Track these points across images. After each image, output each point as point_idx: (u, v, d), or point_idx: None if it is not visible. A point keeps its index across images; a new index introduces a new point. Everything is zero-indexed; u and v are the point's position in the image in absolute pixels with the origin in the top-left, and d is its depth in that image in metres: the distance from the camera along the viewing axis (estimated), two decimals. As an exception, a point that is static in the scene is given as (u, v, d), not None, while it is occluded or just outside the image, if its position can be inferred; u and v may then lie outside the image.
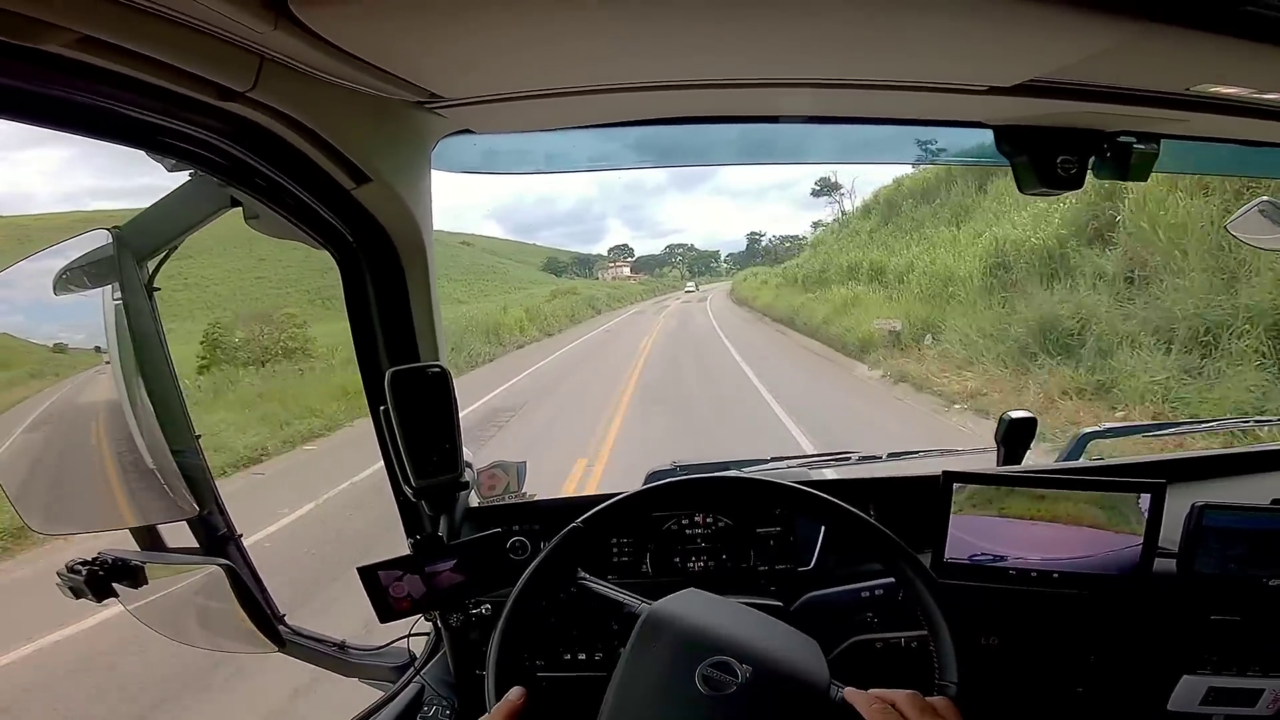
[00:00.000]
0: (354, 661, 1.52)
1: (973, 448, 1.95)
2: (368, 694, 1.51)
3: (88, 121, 0.74)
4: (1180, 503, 1.25)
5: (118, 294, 1.11)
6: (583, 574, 1.11)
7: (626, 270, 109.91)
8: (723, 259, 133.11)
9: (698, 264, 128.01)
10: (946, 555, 1.27)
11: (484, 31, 0.83)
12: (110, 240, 1.05)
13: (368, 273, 1.21)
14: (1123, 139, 1.30)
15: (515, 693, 0.91)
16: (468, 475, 1.33)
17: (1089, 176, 1.34)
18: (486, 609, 1.36)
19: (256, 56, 0.77)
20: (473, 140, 1.27)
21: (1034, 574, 1.26)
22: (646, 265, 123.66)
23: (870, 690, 0.90)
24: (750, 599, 1.32)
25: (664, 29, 0.88)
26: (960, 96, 1.14)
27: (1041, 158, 1.30)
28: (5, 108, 0.67)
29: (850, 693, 0.91)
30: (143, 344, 1.10)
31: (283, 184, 0.98)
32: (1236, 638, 1.30)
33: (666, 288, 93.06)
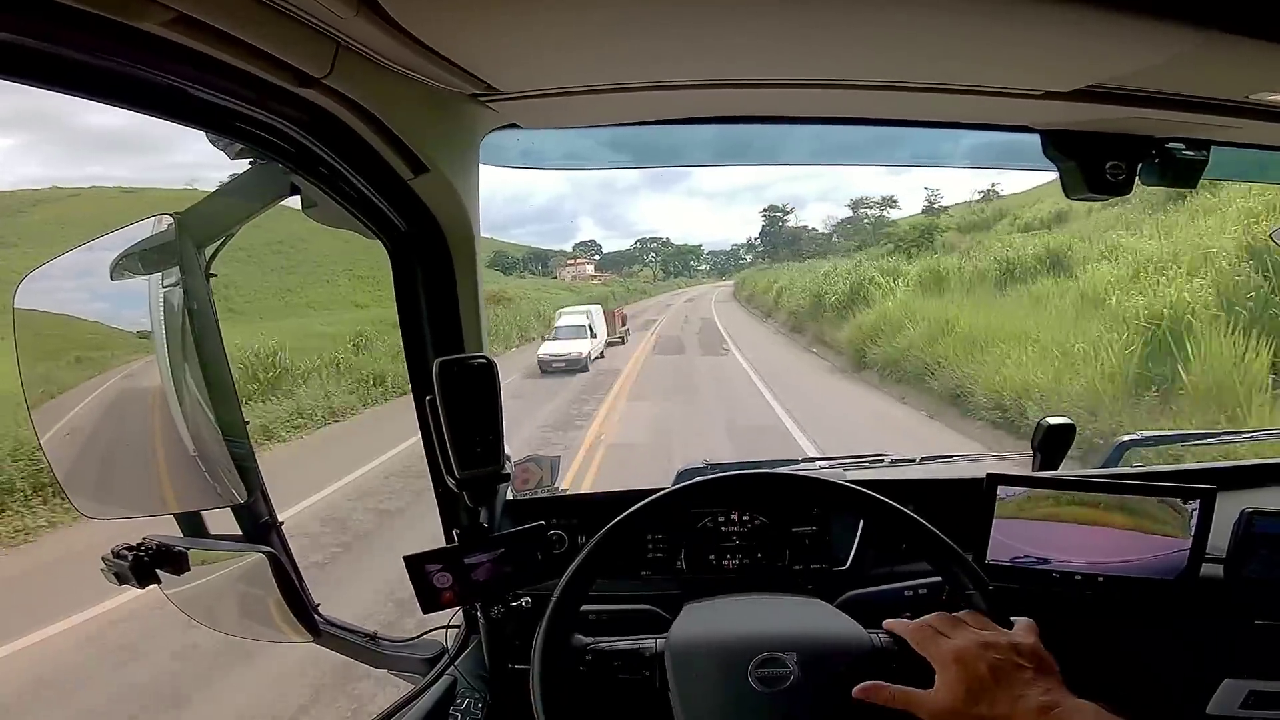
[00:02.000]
0: (385, 653, 1.52)
1: (1008, 453, 1.95)
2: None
3: (170, 104, 0.75)
4: (1223, 511, 1.24)
5: (171, 279, 1.12)
6: (584, 640, 1.09)
7: (590, 269, 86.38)
8: (703, 256, 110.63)
9: (674, 262, 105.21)
10: (989, 557, 1.27)
11: (537, 26, 0.85)
12: (170, 225, 1.06)
13: (418, 263, 1.22)
14: (1171, 145, 1.29)
15: None
16: (508, 467, 1.33)
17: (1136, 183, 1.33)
18: (527, 602, 1.36)
19: (333, 43, 0.78)
20: (515, 136, 1.28)
21: (1078, 578, 1.25)
22: (614, 263, 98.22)
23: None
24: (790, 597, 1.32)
25: (720, 28, 0.88)
26: (1011, 100, 1.14)
27: (1090, 163, 1.29)
28: (98, 88, 0.68)
29: (890, 622, 0.96)
30: (199, 330, 1.10)
31: (344, 173, 0.99)
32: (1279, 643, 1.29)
33: (634, 291, 69.03)
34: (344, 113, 0.89)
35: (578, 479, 8.53)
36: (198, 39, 0.66)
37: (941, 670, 0.86)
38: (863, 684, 0.88)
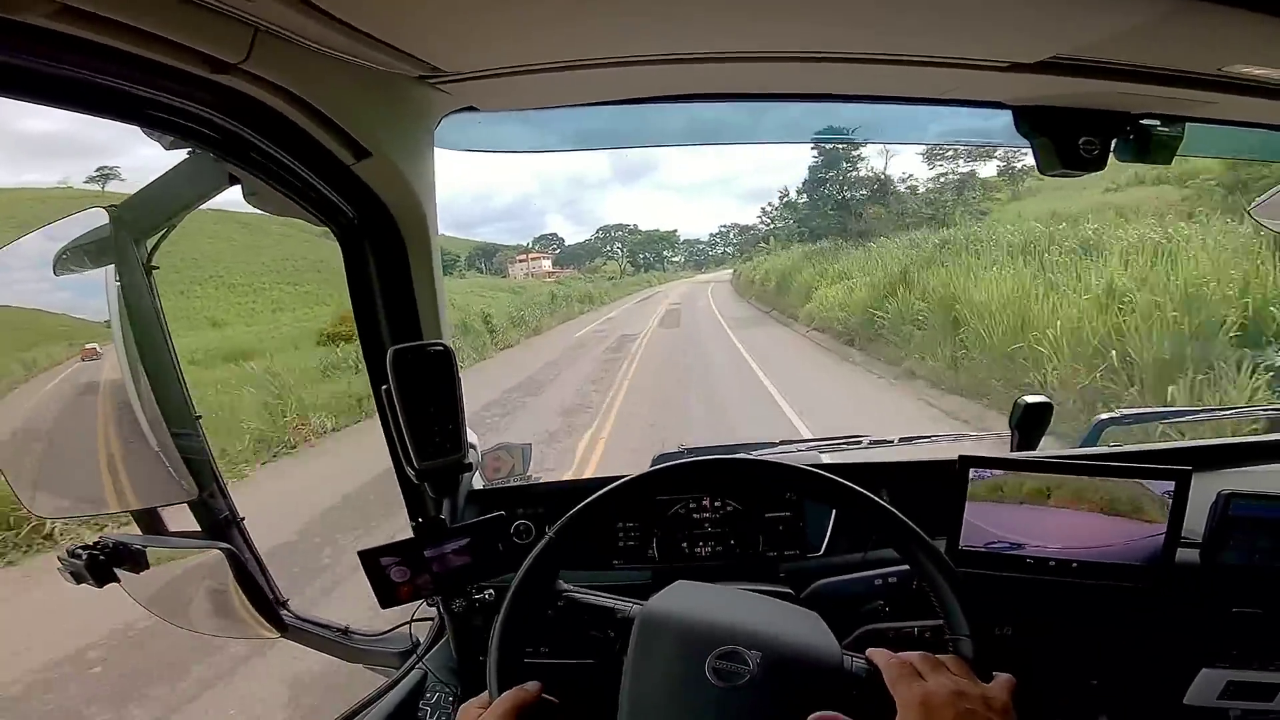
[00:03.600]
0: (357, 647, 1.51)
1: (986, 432, 1.93)
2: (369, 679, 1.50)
3: (76, 96, 0.72)
4: (1202, 491, 1.21)
5: (115, 273, 1.09)
6: (565, 586, 1.08)
7: (546, 264, 73.39)
8: (679, 245, 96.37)
9: (644, 252, 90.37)
10: (962, 543, 1.25)
11: (484, 4, 0.82)
12: (106, 220, 1.03)
13: (370, 250, 1.19)
14: (1146, 121, 1.27)
15: (533, 685, 0.90)
16: (471, 457, 1.31)
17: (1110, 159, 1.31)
18: (489, 594, 1.35)
19: (249, 27, 0.75)
20: (476, 118, 1.25)
21: (1052, 563, 1.23)
22: (575, 257, 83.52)
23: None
24: (759, 586, 1.30)
25: (680, 4, 0.85)
26: (979, 73, 1.11)
27: (1063, 138, 1.27)
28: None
29: (873, 651, 0.93)
30: (142, 324, 1.08)
31: (281, 159, 0.96)
32: (1258, 631, 1.27)
33: (568, 301, 42.22)
34: (270, 97, 0.85)
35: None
36: (90, 29, 0.63)
37: (904, 710, 0.84)
38: (823, 714, 0.85)
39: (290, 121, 0.90)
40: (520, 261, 72.18)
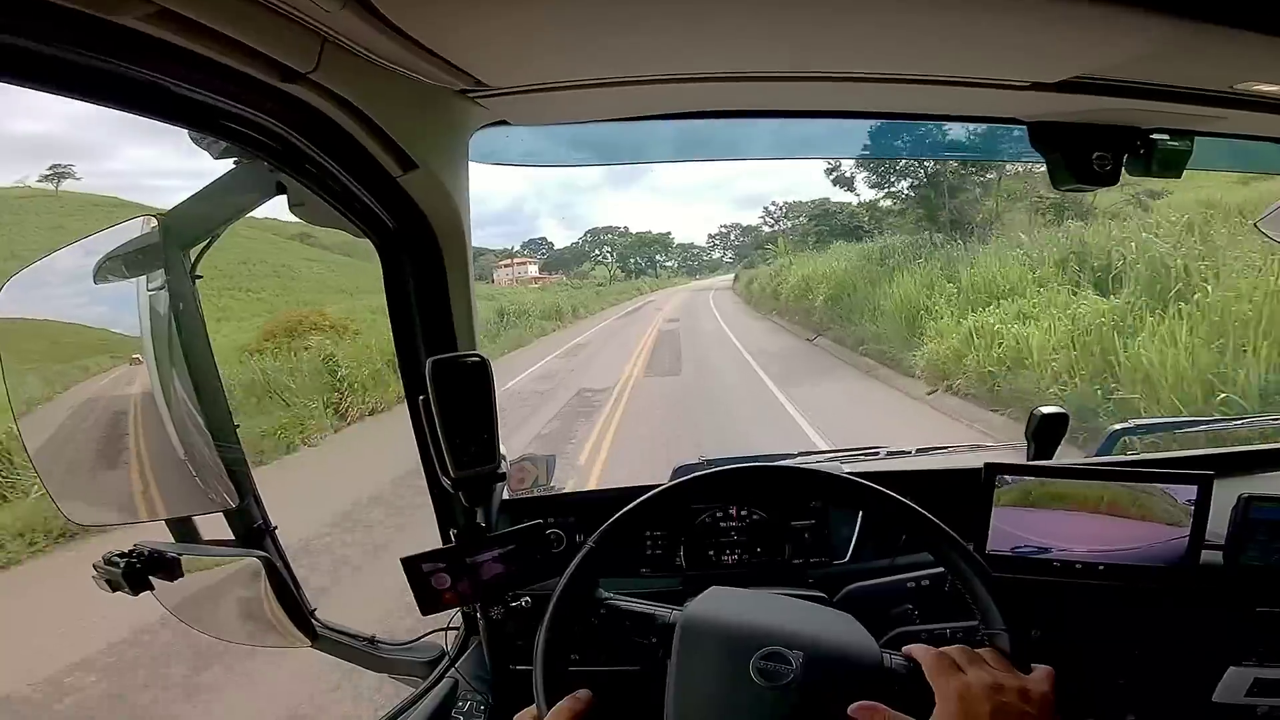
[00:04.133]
0: (384, 656, 1.51)
1: (1002, 443, 1.95)
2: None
3: (155, 102, 0.74)
4: (1220, 496, 1.25)
5: (157, 282, 1.10)
6: (605, 594, 1.10)
7: (533, 269, 66.34)
8: (672, 250, 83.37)
9: (635, 256, 79.53)
10: (989, 548, 1.27)
11: (525, 21, 0.85)
12: (154, 227, 1.05)
13: (408, 261, 1.21)
14: (1156, 135, 1.30)
15: (583, 693, 0.91)
16: (503, 466, 1.32)
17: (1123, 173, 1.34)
18: (527, 601, 1.36)
19: (319, 38, 0.77)
20: (504, 133, 1.28)
21: (1078, 566, 1.26)
22: (563, 261, 73.85)
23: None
24: (792, 591, 1.32)
25: (717, 22, 0.88)
26: (998, 92, 1.14)
27: (1076, 154, 1.30)
28: (76, 85, 0.66)
29: (911, 647, 0.95)
30: (186, 333, 1.09)
31: (332, 170, 0.98)
32: None
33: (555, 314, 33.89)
34: (331, 108, 0.88)
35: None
36: (179, 34, 0.65)
37: (943, 703, 0.86)
38: (861, 703, 0.87)
39: (345, 132, 0.93)
40: (504, 266, 64.40)
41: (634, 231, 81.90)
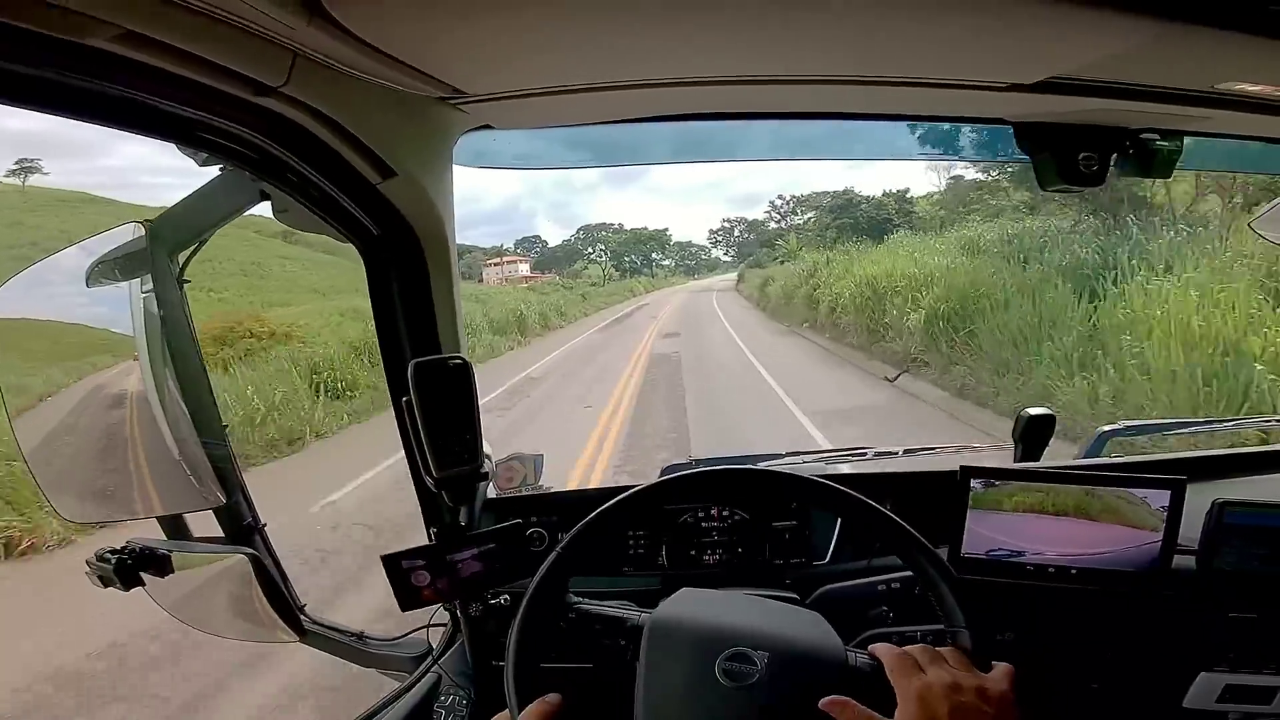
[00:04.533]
0: (372, 652, 1.54)
1: (989, 444, 1.95)
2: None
3: (129, 116, 0.76)
4: (1200, 500, 1.25)
5: (147, 286, 1.13)
6: (575, 598, 1.12)
7: (524, 268, 61.81)
8: (669, 248, 79.01)
9: (630, 254, 74.23)
10: (964, 550, 1.28)
11: (505, 29, 0.85)
12: (142, 233, 1.07)
13: (391, 266, 1.22)
14: (1145, 136, 1.29)
15: (553, 697, 0.93)
16: (487, 466, 1.34)
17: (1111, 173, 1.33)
18: (505, 600, 1.38)
19: (290, 52, 0.79)
20: (492, 136, 1.29)
21: (1051, 570, 1.26)
22: (555, 260, 68.29)
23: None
24: (766, 591, 1.33)
25: (697, 26, 0.88)
26: (979, 93, 1.14)
27: (1063, 155, 1.29)
28: (49, 102, 0.68)
29: (876, 646, 0.97)
30: (174, 335, 1.12)
31: (312, 178, 1.00)
32: (1254, 635, 1.30)
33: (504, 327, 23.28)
34: (306, 120, 0.89)
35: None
36: (148, 53, 0.67)
37: (903, 703, 0.87)
38: (832, 698, 0.89)
39: (322, 142, 0.94)
40: (493, 265, 59.89)
41: (629, 228, 77.67)
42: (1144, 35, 0.86)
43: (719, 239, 75.53)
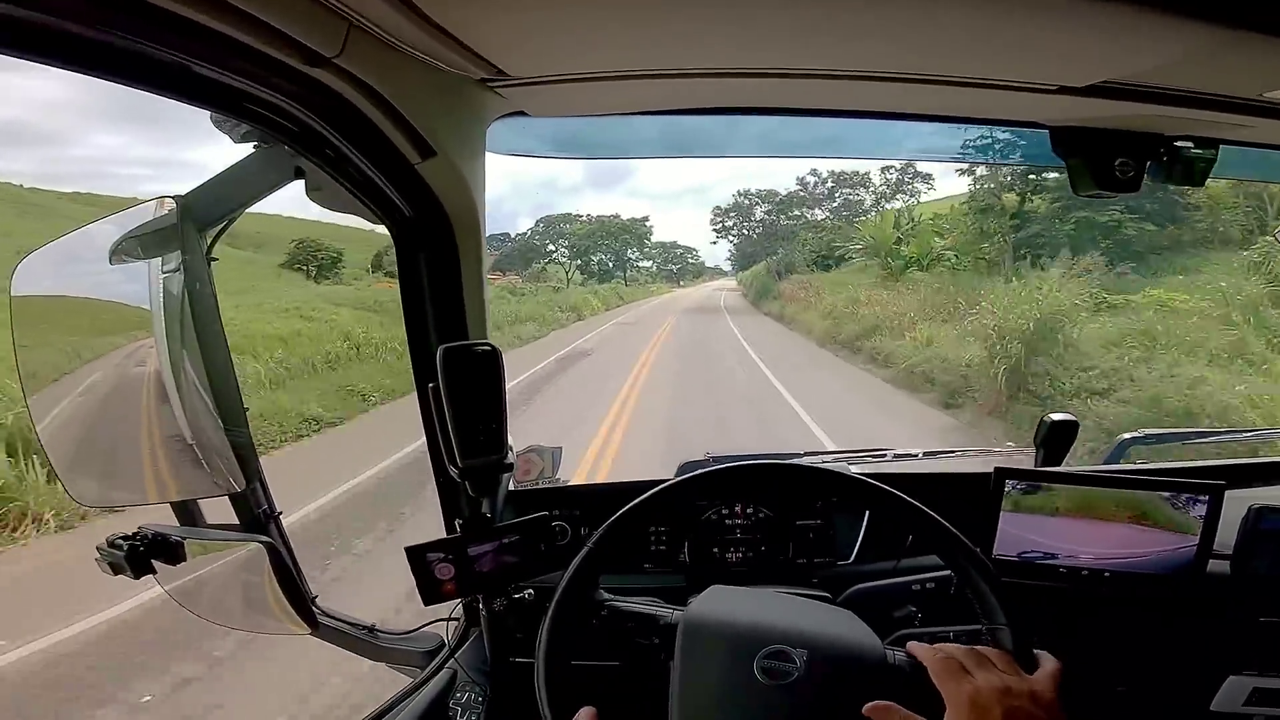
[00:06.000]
0: (384, 646, 1.51)
1: (1010, 448, 1.95)
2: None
3: (176, 82, 0.73)
4: (1228, 508, 1.25)
5: (172, 263, 1.10)
6: (606, 595, 1.10)
7: None
8: (650, 248, 62.76)
9: (598, 249, 58.19)
10: (996, 552, 1.27)
11: (553, 11, 0.84)
12: (173, 209, 1.04)
13: (422, 249, 1.21)
14: (1180, 143, 1.29)
15: (586, 713, 0.91)
16: (510, 457, 1.32)
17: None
18: (529, 594, 1.35)
19: (346, 22, 0.77)
20: (520, 124, 1.27)
21: (1085, 573, 1.26)
22: (523, 257, 54.33)
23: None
24: (795, 590, 1.31)
25: (729, 17, 0.87)
26: (1022, 95, 1.13)
27: (1099, 160, 1.29)
28: (102, 64, 0.66)
29: (914, 645, 0.94)
30: (201, 315, 1.08)
31: (351, 156, 0.98)
32: None
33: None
34: (353, 94, 0.87)
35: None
36: (206, 13, 0.64)
37: (954, 709, 0.85)
38: (876, 703, 0.87)
39: (366, 118, 0.92)
40: None
41: (597, 216, 59.03)
42: (1201, 40, 0.85)
43: (726, 218, 48.07)
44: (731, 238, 48.97)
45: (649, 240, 62.52)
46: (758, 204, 45.49)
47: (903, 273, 22.97)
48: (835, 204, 38.14)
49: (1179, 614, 1.32)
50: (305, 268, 34.77)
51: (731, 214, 47.68)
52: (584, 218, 58.67)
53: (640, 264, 63.82)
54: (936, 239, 23.35)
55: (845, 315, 19.37)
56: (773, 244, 40.81)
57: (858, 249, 28.01)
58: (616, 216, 59.49)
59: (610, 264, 59.16)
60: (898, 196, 33.86)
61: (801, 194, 40.35)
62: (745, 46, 0.99)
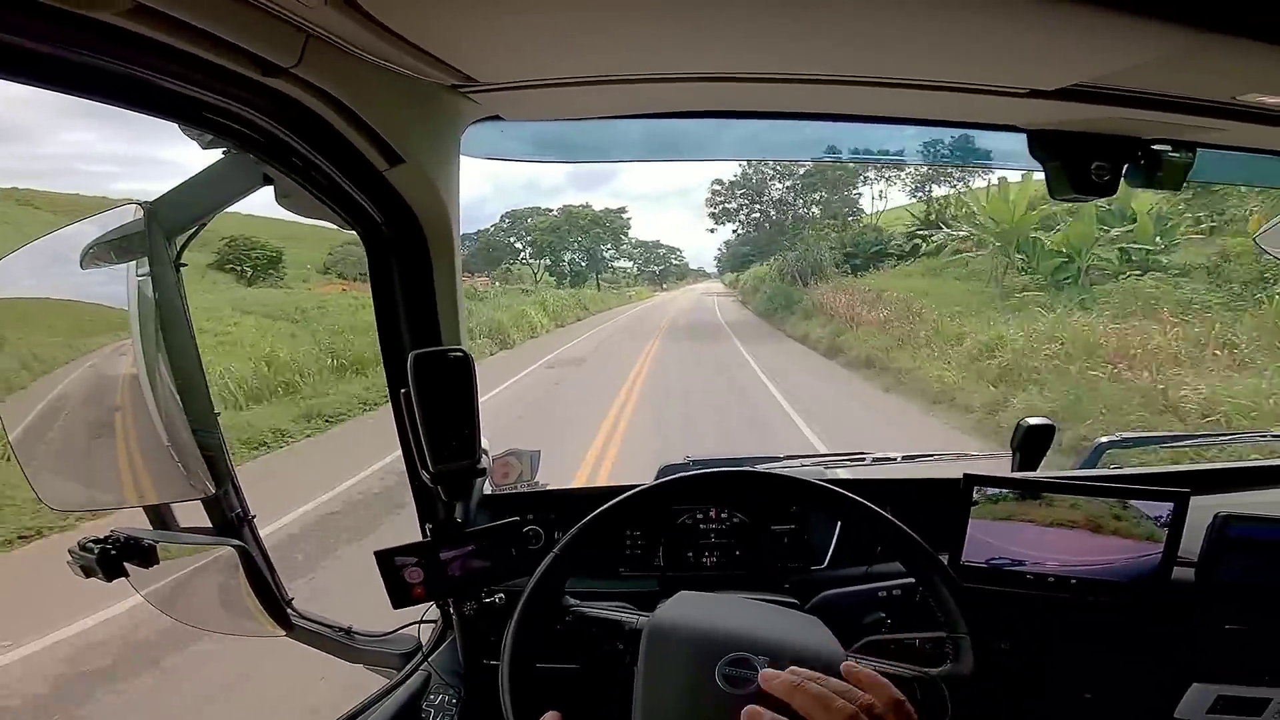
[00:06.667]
0: (359, 647, 1.51)
1: (987, 452, 1.95)
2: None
3: (135, 95, 0.73)
4: (1198, 513, 1.25)
5: (142, 269, 1.10)
6: (573, 601, 1.11)
7: None
8: (628, 245, 56.43)
9: (567, 246, 52.05)
10: (964, 558, 1.28)
11: (519, 17, 0.83)
12: (141, 215, 1.04)
13: (394, 255, 1.20)
14: (1157, 146, 1.29)
15: (550, 717, 0.90)
16: (484, 462, 1.32)
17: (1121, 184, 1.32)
18: (500, 598, 1.36)
19: (303, 33, 0.76)
20: (499, 127, 1.27)
21: (1052, 579, 1.27)
22: (487, 257, 49.84)
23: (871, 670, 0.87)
24: (765, 596, 1.32)
25: (708, 23, 0.87)
26: (997, 99, 1.13)
27: (1075, 163, 1.29)
28: (60, 79, 0.66)
29: (767, 675, 0.87)
30: (169, 320, 1.09)
31: (317, 163, 0.97)
32: (1248, 647, 1.31)
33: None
34: (315, 103, 0.87)
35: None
36: (157, 29, 0.64)
37: None
38: (750, 707, 0.82)
39: (330, 126, 0.92)
40: None
41: (564, 207, 51.69)
42: (1173, 43, 0.85)
43: (729, 204, 39.01)
44: (737, 222, 38.39)
45: (626, 235, 54.92)
46: (774, 179, 35.06)
47: (1053, 278, 16.05)
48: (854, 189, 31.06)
49: (1145, 621, 1.33)
50: (238, 268, 30.95)
51: (740, 191, 36.99)
52: (553, 212, 51.56)
53: (617, 264, 57.53)
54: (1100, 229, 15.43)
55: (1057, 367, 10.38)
56: (782, 238, 32.03)
57: (956, 237, 20.04)
58: (587, 207, 51.81)
59: (583, 262, 52.06)
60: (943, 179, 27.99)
61: (832, 171, 31.07)
62: (722, 52, 0.98)
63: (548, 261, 49.11)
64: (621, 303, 43.40)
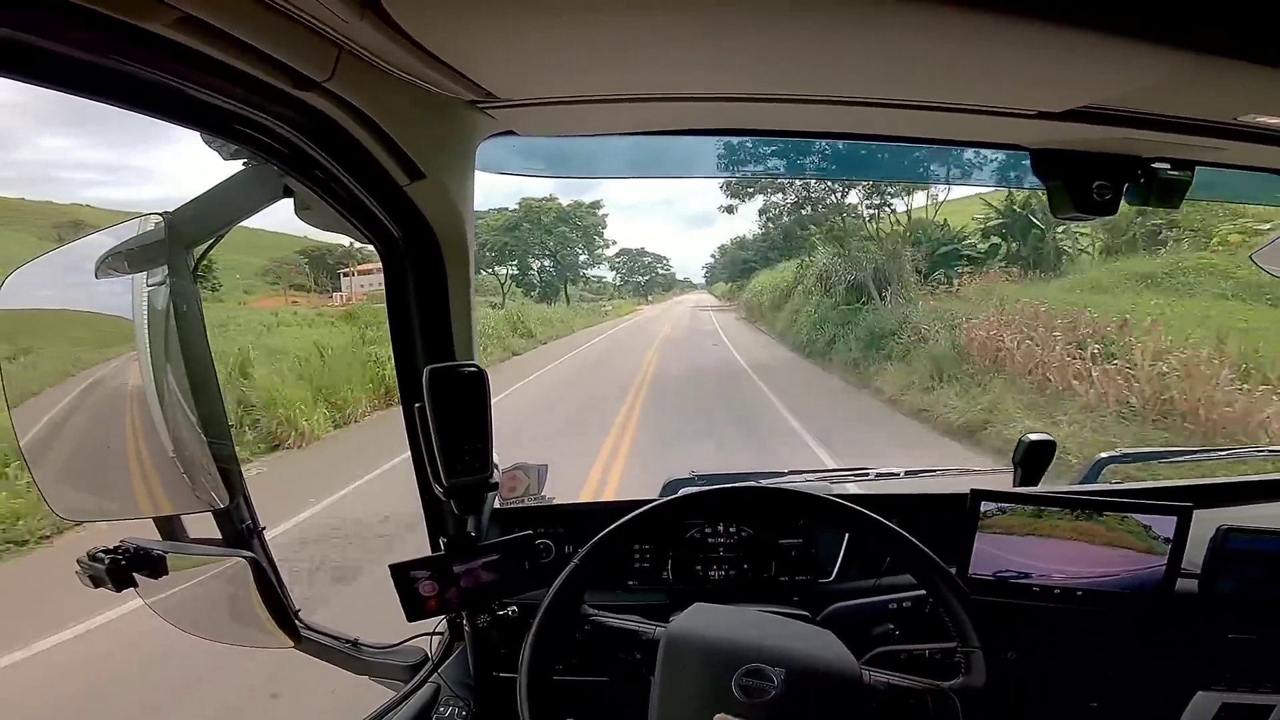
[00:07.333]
0: (367, 659, 1.51)
1: (990, 468, 1.96)
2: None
3: (167, 104, 0.74)
4: (1199, 527, 1.27)
5: (158, 279, 1.10)
6: (590, 610, 1.12)
7: None
8: (603, 247, 44.70)
9: (525, 248, 39.25)
10: (971, 571, 1.29)
11: (541, 33, 0.85)
12: (161, 225, 1.05)
13: (410, 269, 1.21)
14: (1157, 165, 1.31)
15: None
16: (495, 476, 1.33)
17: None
18: (513, 611, 1.36)
19: (336, 47, 0.78)
20: (511, 142, 1.29)
21: (1057, 591, 1.28)
22: None
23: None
24: (775, 608, 1.33)
25: (720, 44, 0.88)
26: (1003, 119, 1.15)
27: (1077, 182, 1.31)
28: (98, 87, 0.67)
29: None
30: (186, 331, 1.09)
31: (340, 177, 0.99)
32: (1252, 656, 1.33)
33: None
34: (342, 117, 0.88)
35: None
36: (200, 40, 0.65)
37: None
38: None
39: (355, 140, 0.93)
40: (358, 273, 35.27)
41: (523, 200, 40.77)
42: (1176, 66, 0.87)
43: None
44: (767, 198, 22.05)
45: (601, 237, 44.52)
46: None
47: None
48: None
49: (1149, 631, 1.35)
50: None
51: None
52: (510, 209, 40.14)
53: (592, 271, 47.00)
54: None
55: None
56: (810, 229, 21.59)
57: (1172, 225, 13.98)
58: (551, 200, 40.95)
59: (554, 271, 42.50)
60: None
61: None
62: (735, 73, 1.00)
63: (514, 270, 40.09)
64: (591, 322, 34.16)
